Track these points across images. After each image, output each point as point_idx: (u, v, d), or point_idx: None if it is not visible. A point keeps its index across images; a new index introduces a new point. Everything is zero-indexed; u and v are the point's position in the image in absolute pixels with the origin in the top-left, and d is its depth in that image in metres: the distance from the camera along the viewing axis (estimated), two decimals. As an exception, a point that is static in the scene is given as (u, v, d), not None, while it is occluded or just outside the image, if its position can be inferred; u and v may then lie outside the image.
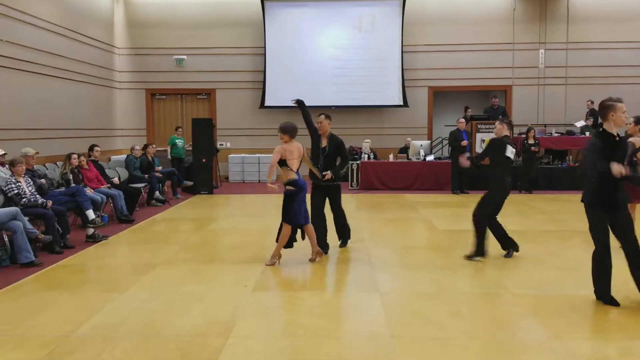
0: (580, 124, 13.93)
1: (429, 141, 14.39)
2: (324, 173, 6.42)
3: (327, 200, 6.73)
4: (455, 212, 9.87)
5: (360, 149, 14.01)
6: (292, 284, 5.52)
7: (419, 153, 13.36)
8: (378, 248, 7.00)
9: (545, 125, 14.64)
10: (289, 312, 4.70)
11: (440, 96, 16.43)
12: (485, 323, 4.29)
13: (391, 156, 13.57)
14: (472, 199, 11.15)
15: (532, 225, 8.51)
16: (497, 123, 6.48)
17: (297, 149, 6.11)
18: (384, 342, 3.91)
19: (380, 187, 13.06)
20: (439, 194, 12.23)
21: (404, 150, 14.02)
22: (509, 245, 6.40)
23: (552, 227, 8.44)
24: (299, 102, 6.89)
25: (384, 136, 15.22)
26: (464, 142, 12.13)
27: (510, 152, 6.19)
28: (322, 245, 6.55)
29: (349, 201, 11.32)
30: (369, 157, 13.59)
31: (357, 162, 13.41)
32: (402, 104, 15.00)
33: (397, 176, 13.12)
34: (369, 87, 14.92)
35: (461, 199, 11.40)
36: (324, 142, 6.69)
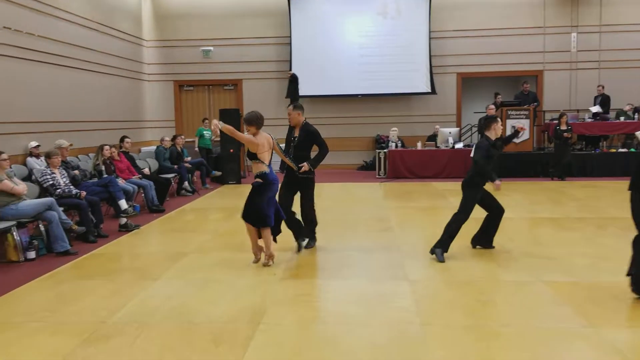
0: (595, 109, 13.62)
1: (458, 128, 14.22)
2: (300, 165, 6.03)
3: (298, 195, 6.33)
4: (485, 199, 9.74)
5: (388, 137, 13.93)
6: (321, 272, 5.54)
7: (447, 141, 13.22)
8: (407, 236, 6.97)
9: (577, 111, 14.33)
10: (319, 300, 4.72)
11: (469, 82, 16.21)
12: (517, 311, 4.25)
13: (419, 144, 13.46)
14: (504, 187, 10.98)
15: (566, 213, 8.37)
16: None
17: (267, 140, 5.62)
18: (414, 330, 3.91)
19: (408, 176, 12.97)
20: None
21: (432, 138, 13.89)
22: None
23: (586, 214, 8.28)
24: (293, 77, 6.64)
25: (412, 124, 15.09)
26: (494, 129, 11.93)
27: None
28: (311, 237, 6.43)
29: (376, 190, 11.30)
30: (396, 146, 13.50)
31: (385, 150, 13.35)
32: (429, 91, 14.83)
33: (425, 164, 13.02)
34: (395, 74, 14.77)
35: (492, 187, 11.21)
36: (296, 132, 6.24)
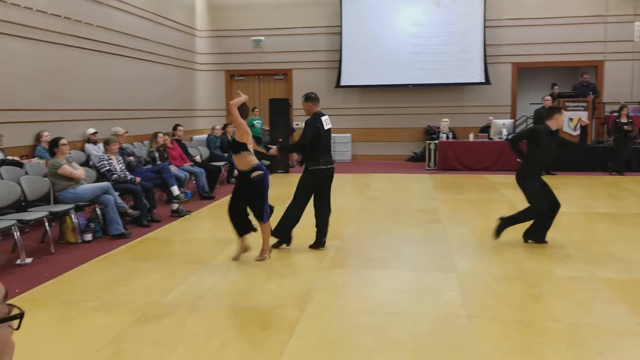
0: None
1: (512, 120, 13.86)
2: (268, 146, 6.01)
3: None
4: (538, 193, 9.49)
5: (438, 128, 13.74)
6: (368, 262, 5.53)
7: (501, 132, 12.92)
8: (456, 228, 6.87)
9: (639, 103, 13.74)
10: (364, 289, 4.72)
11: (525, 73, 15.75)
12: (568, 307, 4.13)
13: (471, 135, 13.20)
14: (560, 181, 10.76)
15: (624, 208, 8.07)
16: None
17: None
18: (461, 322, 3.86)
19: (459, 168, 12.76)
20: (521, 175, 11.78)
21: (485, 129, 13.60)
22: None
23: (644, 210, 7.97)
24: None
25: (464, 115, 14.79)
26: (549, 121, 11.60)
27: None
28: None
29: (426, 181, 11.17)
30: (447, 137, 13.30)
31: (435, 141, 13.17)
32: (484, 81, 14.50)
33: (477, 156, 12.77)
34: (449, 64, 14.48)
35: (547, 181, 10.79)
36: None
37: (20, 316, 0.83)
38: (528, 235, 6.10)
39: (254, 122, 13.76)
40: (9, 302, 0.85)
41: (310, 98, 5.86)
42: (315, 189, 5.80)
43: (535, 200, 5.79)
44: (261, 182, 5.39)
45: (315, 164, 5.70)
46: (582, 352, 3.38)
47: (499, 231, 5.98)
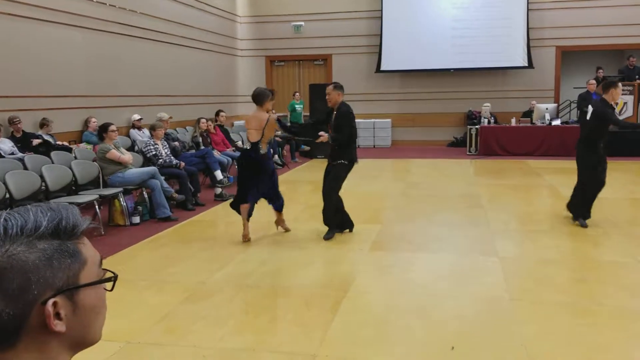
0: None
1: (556, 104, 13.57)
2: (319, 133, 5.70)
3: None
4: (582, 178, 9.33)
5: (480, 113, 13.57)
6: (409, 245, 5.58)
7: (544, 117, 12.68)
8: (497, 213, 6.84)
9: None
10: (406, 272, 4.78)
11: (569, 56, 15.37)
12: (613, 291, 4.11)
13: (513, 120, 12.99)
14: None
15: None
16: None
17: (255, 118, 5.62)
18: (503, 304, 3.89)
19: (500, 153, 12.59)
20: (566, 160, 11.57)
21: (528, 114, 13.36)
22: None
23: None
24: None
25: (507, 99, 14.54)
26: (594, 105, 11.34)
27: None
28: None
29: (467, 167, 11.09)
30: (489, 122, 13.12)
31: (476, 127, 13.02)
32: (526, 65, 14.21)
33: (519, 141, 12.55)
34: (491, 48, 14.24)
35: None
36: (333, 116, 5.84)
37: (115, 278, 0.92)
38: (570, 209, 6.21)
39: (296, 106, 13.85)
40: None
41: (341, 87, 5.78)
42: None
43: (596, 175, 5.84)
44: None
45: (354, 157, 5.74)
46: (627, 336, 3.37)
47: (579, 219, 6.03)
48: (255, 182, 5.64)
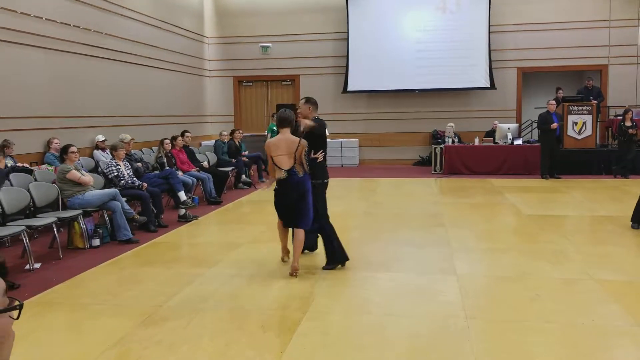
0: None
1: (518, 124, 13.91)
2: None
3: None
4: (543, 197, 9.55)
5: (444, 132, 13.80)
6: (370, 265, 5.60)
7: (506, 136, 12.97)
8: (459, 231, 6.94)
9: (645, 106, 13.75)
10: (365, 291, 4.81)
11: (530, 77, 15.81)
12: (564, 308, 4.20)
13: (476, 140, 13.26)
14: (564, 184, 10.82)
15: (627, 212, 8.07)
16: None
17: (283, 142, 5.23)
18: (458, 323, 3.94)
19: (465, 172, 12.82)
20: (528, 179, 11.85)
21: (490, 133, 13.66)
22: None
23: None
24: None
25: (470, 119, 14.87)
26: (554, 125, 11.67)
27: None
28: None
29: (431, 186, 11.24)
30: (452, 141, 13.36)
31: (441, 146, 13.24)
32: (489, 86, 14.57)
33: (482, 160, 12.81)
34: (454, 69, 14.58)
35: (551, 184, 11.00)
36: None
37: (20, 307, 0.92)
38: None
39: (274, 128, 13.83)
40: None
41: (311, 101, 5.54)
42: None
43: None
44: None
45: (325, 176, 5.48)
46: (575, 352, 3.45)
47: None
48: (306, 206, 5.26)
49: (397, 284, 4.95)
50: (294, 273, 5.15)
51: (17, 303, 0.91)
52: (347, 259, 5.45)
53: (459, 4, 14.61)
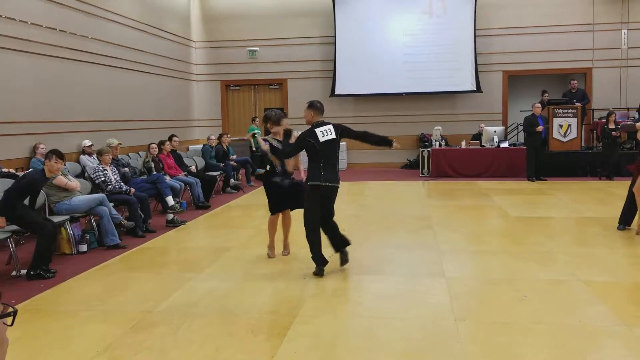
0: None
1: (504, 127, 14.03)
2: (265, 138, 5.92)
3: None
4: (530, 199, 9.63)
5: (431, 135, 13.88)
6: (359, 268, 5.61)
7: (492, 139, 13.07)
8: (447, 234, 6.98)
9: (628, 109, 13.91)
10: (355, 294, 4.82)
11: (515, 81, 15.95)
12: (552, 309, 4.24)
13: (463, 143, 13.34)
14: (550, 186, 10.92)
15: (612, 213, 8.16)
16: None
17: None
18: (448, 325, 3.96)
19: (452, 175, 12.89)
20: (514, 181, 11.94)
21: (477, 136, 13.76)
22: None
23: (632, 214, 8.09)
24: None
25: (457, 122, 14.97)
26: (539, 128, 11.78)
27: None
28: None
29: (419, 188, 11.29)
30: (440, 144, 13.43)
31: (428, 149, 13.30)
32: (475, 89, 14.68)
33: (469, 163, 12.90)
34: (440, 73, 14.67)
35: (538, 186, 11.09)
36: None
37: (14, 313, 0.91)
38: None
39: (255, 130, 13.81)
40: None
41: (313, 106, 5.40)
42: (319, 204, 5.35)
43: None
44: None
45: (314, 179, 5.27)
46: (563, 352, 3.48)
47: None
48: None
49: (387, 286, 4.96)
50: (285, 251, 6.11)
51: (11, 310, 0.90)
52: (326, 262, 5.39)
53: (445, 8, 14.72)
